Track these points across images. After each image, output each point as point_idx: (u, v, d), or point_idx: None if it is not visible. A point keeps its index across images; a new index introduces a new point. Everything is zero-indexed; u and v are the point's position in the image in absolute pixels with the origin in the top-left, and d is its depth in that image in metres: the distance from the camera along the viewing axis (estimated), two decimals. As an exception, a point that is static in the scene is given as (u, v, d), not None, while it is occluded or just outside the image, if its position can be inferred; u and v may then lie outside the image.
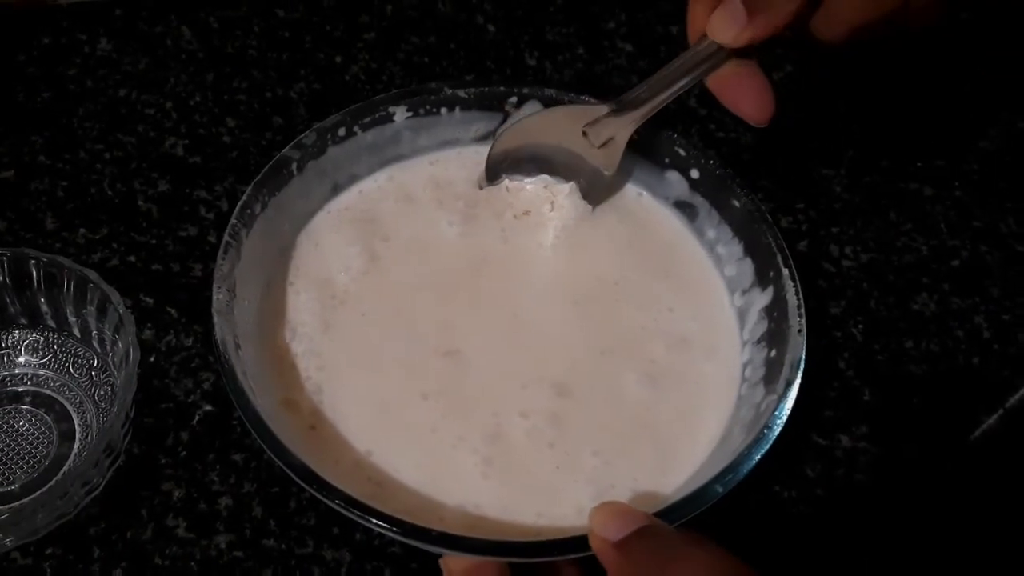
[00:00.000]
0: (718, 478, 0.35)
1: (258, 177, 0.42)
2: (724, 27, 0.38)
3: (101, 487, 0.42)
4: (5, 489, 0.43)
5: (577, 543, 0.33)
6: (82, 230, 0.52)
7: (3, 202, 0.52)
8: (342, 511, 0.34)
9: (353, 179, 0.47)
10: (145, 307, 0.49)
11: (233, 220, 0.41)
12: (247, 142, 0.57)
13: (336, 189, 0.47)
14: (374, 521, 0.33)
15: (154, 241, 0.52)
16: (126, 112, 0.57)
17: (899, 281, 0.54)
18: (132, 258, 0.51)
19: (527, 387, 0.41)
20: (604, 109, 0.44)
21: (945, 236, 0.56)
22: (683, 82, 0.42)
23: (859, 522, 0.45)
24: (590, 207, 0.46)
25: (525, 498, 0.38)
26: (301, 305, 0.43)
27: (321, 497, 0.34)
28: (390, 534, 0.34)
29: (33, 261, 0.44)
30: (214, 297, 0.38)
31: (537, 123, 0.46)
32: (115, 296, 0.43)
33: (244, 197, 0.42)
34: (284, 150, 0.44)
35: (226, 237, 0.40)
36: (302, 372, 0.41)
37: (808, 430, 0.48)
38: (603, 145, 0.44)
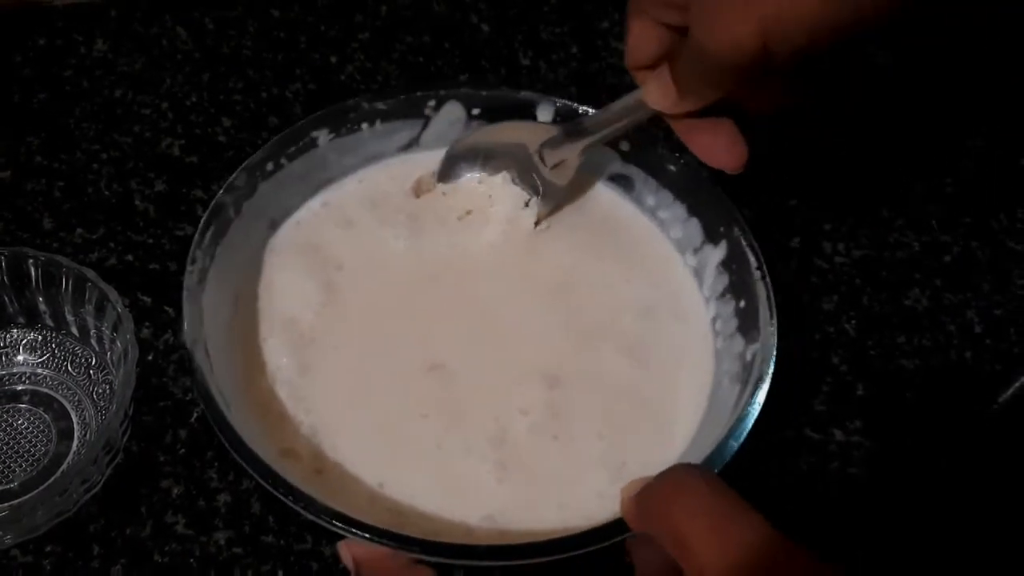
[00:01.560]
0: (730, 434, 0.36)
1: (199, 230, 0.41)
2: (657, 99, 0.38)
3: (100, 484, 0.42)
4: (4, 487, 0.43)
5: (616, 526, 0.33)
6: (79, 230, 0.52)
7: (0, 203, 0.53)
8: (374, 543, 0.33)
9: (287, 212, 0.46)
10: (143, 306, 0.49)
11: (185, 287, 0.39)
12: (243, 142, 0.57)
13: (273, 225, 0.45)
14: (416, 549, 0.32)
15: (151, 240, 0.52)
16: (122, 112, 0.57)
17: (891, 277, 0.54)
18: (129, 257, 0.51)
19: (518, 384, 0.41)
20: (556, 130, 0.44)
21: (937, 232, 0.57)
22: (634, 117, 0.41)
23: (853, 516, 0.46)
24: (526, 195, 0.46)
25: (544, 493, 0.38)
26: (272, 350, 0.42)
27: (345, 532, 0.33)
28: (435, 559, 0.33)
29: (31, 260, 0.45)
30: (195, 366, 0.37)
31: (497, 132, 0.46)
32: (113, 295, 0.43)
33: (191, 253, 0.40)
34: (217, 195, 0.42)
35: (184, 304, 0.39)
36: (292, 418, 0.40)
37: (802, 424, 0.48)
38: (554, 167, 0.45)
